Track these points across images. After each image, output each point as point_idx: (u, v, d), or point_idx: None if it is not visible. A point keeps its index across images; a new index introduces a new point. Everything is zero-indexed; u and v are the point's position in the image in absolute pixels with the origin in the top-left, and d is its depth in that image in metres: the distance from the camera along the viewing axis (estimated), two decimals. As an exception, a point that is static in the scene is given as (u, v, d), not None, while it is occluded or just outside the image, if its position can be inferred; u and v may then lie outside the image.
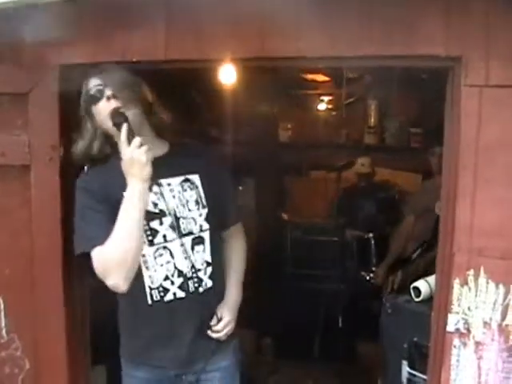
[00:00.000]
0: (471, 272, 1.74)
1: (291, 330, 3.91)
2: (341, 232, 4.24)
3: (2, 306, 2.02)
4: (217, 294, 1.93)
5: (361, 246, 4.33)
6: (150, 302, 1.83)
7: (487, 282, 1.74)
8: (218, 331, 1.89)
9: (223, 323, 1.90)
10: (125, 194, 1.67)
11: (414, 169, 4.70)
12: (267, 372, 3.99)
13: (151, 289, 1.83)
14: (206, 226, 1.87)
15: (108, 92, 1.74)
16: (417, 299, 2.33)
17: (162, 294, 1.83)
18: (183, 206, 1.84)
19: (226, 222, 2.02)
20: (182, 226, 1.84)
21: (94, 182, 1.81)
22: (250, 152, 5.07)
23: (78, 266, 2.05)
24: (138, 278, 1.79)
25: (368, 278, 3.90)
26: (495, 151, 1.70)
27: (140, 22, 1.89)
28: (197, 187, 1.87)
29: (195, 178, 1.88)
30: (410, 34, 1.72)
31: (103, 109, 1.74)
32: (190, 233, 1.85)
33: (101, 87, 1.75)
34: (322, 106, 5.05)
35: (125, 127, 1.67)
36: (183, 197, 1.84)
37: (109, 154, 1.82)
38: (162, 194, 1.80)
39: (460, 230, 1.75)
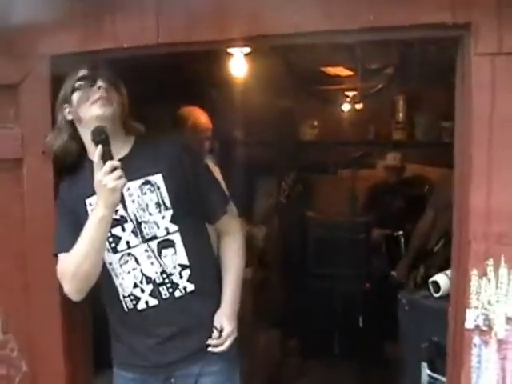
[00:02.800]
0: (490, 261, 1.56)
1: (317, 330, 3.80)
2: (368, 230, 4.08)
3: (-2, 306, 1.98)
4: (203, 297, 1.82)
5: (390, 244, 4.19)
6: (125, 309, 1.80)
7: (509, 273, 1.55)
8: (220, 345, 1.79)
9: (225, 335, 1.80)
10: (90, 215, 1.67)
11: (447, 164, 4.49)
12: (293, 373, 3.89)
13: (124, 297, 1.79)
14: (173, 228, 1.76)
15: (100, 82, 1.69)
16: (436, 294, 2.15)
17: (134, 302, 1.79)
18: (143, 210, 1.75)
19: (210, 215, 1.89)
20: (145, 231, 1.76)
21: (68, 185, 1.82)
22: (273, 150, 5.00)
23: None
24: (111, 287, 1.81)
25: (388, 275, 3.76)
26: (510, 126, 1.53)
27: (130, 6, 1.81)
28: (159, 188, 1.76)
29: (157, 178, 1.76)
30: (411, 2, 1.58)
31: (90, 96, 1.68)
32: (154, 237, 1.76)
33: (93, 76, 1.70)
34: (346, 102, 4.90)
35: (100, 148, 1.59)
36: (142, 201, 1.75)
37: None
38: (121, 201, 1.70)
39: (475, 214, 1.57)
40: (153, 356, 1.79)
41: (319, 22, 1.65)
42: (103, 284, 1.79)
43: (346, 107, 4.96)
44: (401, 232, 4.12)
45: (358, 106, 4.79)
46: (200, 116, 2.90)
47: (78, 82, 1.72)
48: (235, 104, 4.25)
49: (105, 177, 1.57)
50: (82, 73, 1.73)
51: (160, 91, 3.23)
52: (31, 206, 1.92)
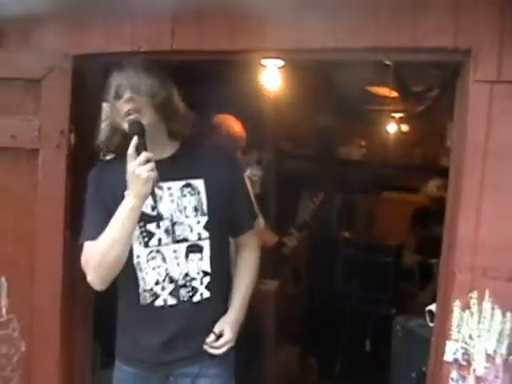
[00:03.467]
0: (474, 294, 1.53)
1: (337, 350, 3.75)
2: (398, 254, 4.00)
3: (5, 286, 2.08)
4: (215, 305, 1.85)
5: (423, 271, 4.08)
6: (142, 303, 1.83)
7: (492, 308, 1.52)
8: (216, 348, 1.81)
9: (223, 341, 1.81)
10: (121, 204, 1.68)
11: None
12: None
13: (144, 290, 1.82)
14: (205, 234, 1.80)
15: (127, 95, 1.70)
16: (431, 324, 2.07)
17: (152, 298, 1.81)
18: (180, 211, 1.79)
19: (236, 229, 1.93)
20: (177, 232, 1.79)
21: (103, 176, 1.84)
22: (317, 165, 5.00)
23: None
24: (132, 279, 1.82)
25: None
26: (506, 156, 1.49)
27: (147, 12, 1.88)
28: (199, 193, 1.79)
29: (199, 183, 1.80)
30: (416, 25, 1.57)
31: (120, 109, 1.71)
32: (185, 239, 1.80)
33: (121, 87, 1.70)
34: (393, 124, 4.83)
35: (134, 140, 1.64)
36: (181, 202, 1.79)
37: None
38: (160, 198, 1.76)
39: (462, 245, 1.54)
40: (156, 353, 1.83)
41: (324, 39, 1.68)
42: (123, 275, 1.81)
43: (391, 128, 4.89)
44: (434, 260, 4.00)
45: (405, 128, 4.71)
46: (234, 125, 2.93)
47: (111, 91, 1.72)
48: (278, 117, 4.30)
49: (138, 167, 1.61)
50: (114, 81, 1.73)
51: (201, 100, 3.32)
52: (43, 195, 2.02)
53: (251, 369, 3.03)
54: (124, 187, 1.69)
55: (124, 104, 1.70)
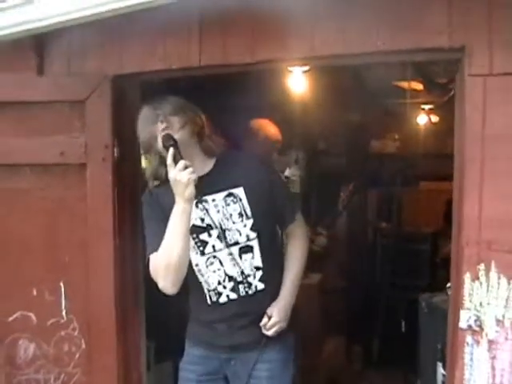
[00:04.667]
0: (482, 266, 1.84)
1: (381, 338, 4.05)
2: (436, 242, 4.28)
3: (63, 290, 2.47)
4: (269, 294, 2.23)
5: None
6: (209, 302, 2.23)
7: (499, 277, 1.82)
8: (266, 329, 2.19)
9: (271, 322, 2.19)
10: (173, 210, 2.01)
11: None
12: (353, 379, 4.20)
13: (209, 291, 2.22)
14: (252, 235, 2.18)
15: (161, 117, 2.13)
16: (451, 298, 2.39)
17: (217, 296, 2.22)
18: (227, 219, 2.17)
19: (281, 222, 2.34)
20: (229, 237, 2.17)
21: (154, 199, 2.22)
22: (352, 161, 5.32)
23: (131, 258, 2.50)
24: (197, 284, 2.24)
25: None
26: (501, 143, 1.79)
27: (177, 33, 2.24)
28: (240, 200, 2.17)
29: (239, 191, 2.17)
30: (414, 28, 1.89)
31: (157, 131, 2.12)
32: (236, 243, 2.18)
33: (155, 112, 2.15)
34: (423, 115, 5.13)
35: (171, 151, 1.99)
36: (227, 211, 2.17)
37: None
38: (207, 210, 2.15)
39: (468, 222, 1.85)
40: (221, 337, 2.23)
41: (334, 46, 2.03)
42: (189, 282, 2.21)
43: (422, 120, 5.19)
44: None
45: (434, 119, 4.98)
46: (270, 128, 3.29)
47: (148, 119, 2.17)
48: (311, 118, 4.65)
49: (179, 173, 1.93)
50: (149, 110, 2.18)
51: (238, 107, 3.69)
52: (93, 205, 2.41)
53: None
54: (171, 206, 2.01)
55: (159, 124, 2.12)
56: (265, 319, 2.20)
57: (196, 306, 2.32)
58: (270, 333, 2.20)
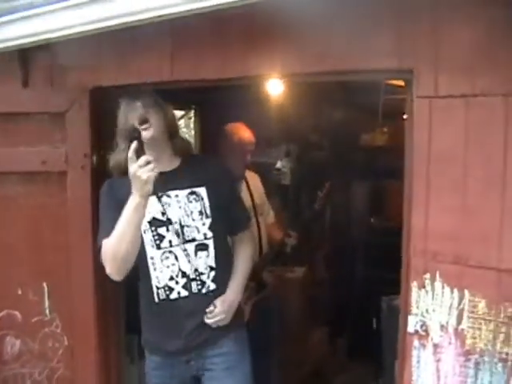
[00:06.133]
0: (427, 276, 1.93)
1: (365, 332, 4.15)
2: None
3: (46, 290, 2.59)
4: (220, 294, 2.29)
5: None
6: (156, 300, 2.27)
7: (443, 287, 1.91)
8: (209, 318, 2.25)
9: (215, 312, 2.25)
10: (127, 203, 2.00)
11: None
12: (336, 371, 4.32)
13: (158, 288, 2.26)
14: (209, 234, 2.25)
15: (140, 109, 2.16)
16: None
17: (167, 292, 2.25)
18: (187, 215, 2.23)
19: (232, 229, 2.41)
20: (186, 234, 2.23)
21: (112, 188, 2.26)
22: (341, 155, 5.39)
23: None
24: (147, 279, 2.27)
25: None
26: (445, 161, 1.88)
27: (151, 50, 2.33)
28: (202, 199, 2.24)
29: (201, 190, 2.25)
30: (364, 49, 1.97)
31: (134, 119, 2.14)
32: (193, 240, 2.24)
33: (135, 102, 2.18)
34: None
35: (133, 144, 1.96)
36: (188, 208, 2.23)
37: None
38: (169, 205, 2.21)
39: (415, 234, 1.95)
40: (175, 343, 2.27)
41: (293, 65, 2.11)
42: (141, 277, 2.28)
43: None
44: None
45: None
46: (243, 132, 3.36)
47: (127, 108, 2.20)
48: (302, 112, 4.73)
49: (139, 169, 1.90)
50: (129, 102, 2.21)
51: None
52: (72, 210, 2.52)
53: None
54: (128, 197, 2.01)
55: (138, 112, 2.14)
56: (210, 307, 2.25)
57: (145, 308, 2.35)
58: (210, 321, 2.25)
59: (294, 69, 2.12)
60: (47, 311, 2.61)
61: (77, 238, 2.53)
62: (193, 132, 5.66)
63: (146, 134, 2.11)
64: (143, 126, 2.12)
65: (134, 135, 2.05)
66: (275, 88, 3.80)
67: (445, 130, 1.88)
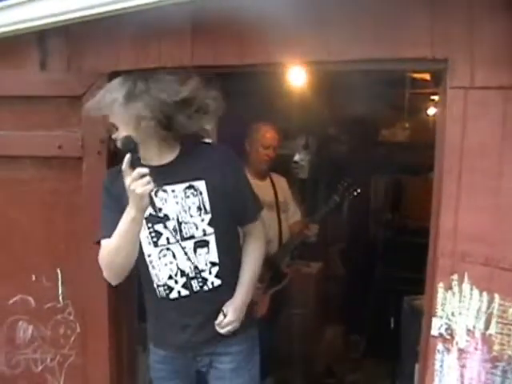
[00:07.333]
0: (455, 277, 1.81)
1: (381, 331, 4.04)
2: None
3: (60, 276, 2.51)
4: (226, 290, 2.16)
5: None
6: (158, 296, 2.16)
7: (471, 289, 1.79)
8: (221, 327, 2.13)
9: (226, 321, 2.12)
10: (123, 215, 1.88)
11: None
12: (349, 370, 4.22)
13: (158, 286, 2.14)
14: (209, 230, 2.08)
15: (119, 106, 1.97)
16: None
17: (167, 291, 2.13)
18: (185, 211, 2.06)
19: (240, 220, 2.24)
20: (184, 231, 2.08)
21: (114, 182, 2.10)
22: (361, 150, 5.25)
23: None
24: (147, 276, 2.15)
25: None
26: (479, 156, 1.75)
27: (172, 34, 2.21)
28: (201, 193, 2.06)
29: (200, 184, 2.06)
30: (396, 37, 1.84)
31: (136, 109, 1.97)
32: (192, 237, 2.08)
33: (115, 98, 1.99)
34: (432, 106, 5.03)
35: (127, 158, 1.81)
36: (185, 203, 2.06)
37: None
38: (165, 200, 2.05)
39: (444, 234, 1.82)
40: (180, 338, 2.16)
41: (319, 53, 1.98)
42: (141, 273, 2.17)
43: (431, 111, 5.09)
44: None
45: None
46: (267, 130, 3.35)
47: (106, 102, 2.04)
48: (322, 104, 4.60)
49: (133, 183, 1.77)
50: (111, 93, 2.04)
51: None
52: (88, 196, 2.41)
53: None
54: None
55: (138, 103, 1.97)
56: (220, 317, 2.13)
57: (149, 303, 2.26)
58: (223, 331, 2.13)
59: (320, 57, 1.98)
60: (60, 298, 2.52)
61: (91, 226, 2.41)
62: (209, 123, 5.59)
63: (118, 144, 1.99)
64: (113, 136, 1.99)
65: (130, 146, 1.88)
66: (295, 78, 3.68)
67: (480, 123, 1.75)
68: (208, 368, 2.21)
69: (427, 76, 4.40)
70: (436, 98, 5.05)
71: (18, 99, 2.46)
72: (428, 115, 5.16)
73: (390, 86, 4.77)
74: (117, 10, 2.07)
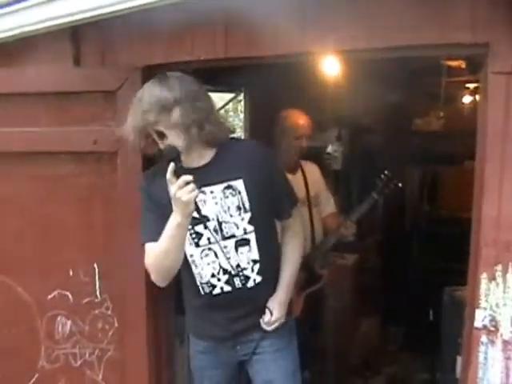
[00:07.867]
0: (499, 267, 1.76)
1: (419, 322, 3.98)
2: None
3: (97, 271, 2.53)
4: (267, 285, 2.20)
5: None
6: (202, 293, 2.19)
7: (516, 279, 1.75)
8: (269, 326, 2.19)
9: (273, 319, 2.18)
10: (169, 220, 1.90)
11: None
12: (386, 362, 4.18)
13: (201, 283, 2.18)
14: (250, 228, 2.10)
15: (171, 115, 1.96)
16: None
17: (210, 288, 2.17)
18: (225, 211, 2.08)
19: (277, 215, 2.26)
20: (225, 230, 2.10)
21: (151, 184, 2.14)
22: (394, 139, 5.18)
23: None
24: (190, 274, 2.19)
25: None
26: (523, 142, 1.70)
27: (205, 27, 2.21)
28: (240, 193, 2.07)
29: (238, 183, 2.07)
30: (437, 23, 1.79)
31: (167, 121, 1.97)
32: (233, 236, 2.11)
33: (169, 95, 1.97)
34: (468, 95, 4.93)
35: (171, 167, 1.82)
36: (225, 203, 2.07)
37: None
38: (204, 201, 2.06)
39: (487, 222, 1.78)
40: (220, 330, 2.22)
41: (358, 41, 1.95)
42: (182, 271, 2.18)
43: (467, 99, 4.98)
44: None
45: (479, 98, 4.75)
46: (298, 117, 3.21)
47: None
48: (354, 95, 4.53)
49: (179, 191, 1.80)
50: (145, 105, 2.02)
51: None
52: (123, 191, 2.43)
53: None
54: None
55: (173, 113, 1.97)
56: (267, 315, 2.18)
57: (190, 298, 2.29)
58: (270, 328, 2.19)
59: (358, 44, 1.95)
60: (98, 292, 2.54)
61: (127, 220, 2.44)
62: (242, 116, 5.55)
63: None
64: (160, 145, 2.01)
65: (173, 155, 1.89)
66: (329, 68, 3.62)
67: (524, 108, 1.69)
68: (250, 355, 2.23)
69: (462, 64, 4.33)
70: (471, 85, 5.01)
71: (53, 95, 2.48)
72: (463, 103, 5.05)
73: (424, 75, 4.69)
74: (150, 3, 2.08)
